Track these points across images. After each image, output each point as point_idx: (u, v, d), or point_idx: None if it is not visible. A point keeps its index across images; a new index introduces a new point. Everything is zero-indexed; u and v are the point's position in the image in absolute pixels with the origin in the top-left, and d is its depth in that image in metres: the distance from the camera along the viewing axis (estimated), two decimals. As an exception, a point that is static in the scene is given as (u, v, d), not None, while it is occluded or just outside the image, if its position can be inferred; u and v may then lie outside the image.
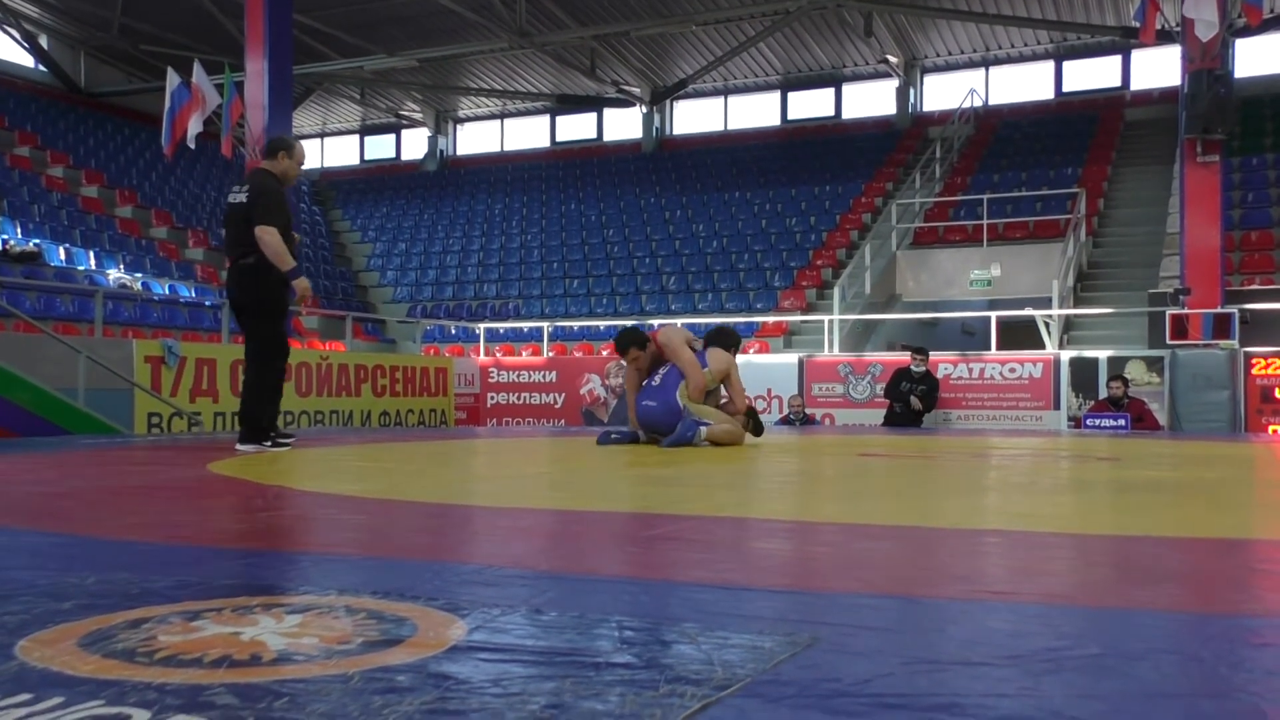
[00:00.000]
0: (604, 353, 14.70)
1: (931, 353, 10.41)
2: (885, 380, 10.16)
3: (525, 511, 2.79)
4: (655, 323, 15.34)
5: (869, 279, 14.44)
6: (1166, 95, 18.02)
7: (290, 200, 5.41)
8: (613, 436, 5.82)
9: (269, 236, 5.09)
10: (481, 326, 14.04)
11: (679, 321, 13.18)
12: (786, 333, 14.60)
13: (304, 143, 23.34)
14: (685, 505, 2.90)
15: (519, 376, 12.16)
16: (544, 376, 12.07)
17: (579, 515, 2.72)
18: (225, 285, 5.24)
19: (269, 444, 5.26)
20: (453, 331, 16.91)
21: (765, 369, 10.62)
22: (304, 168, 21.08)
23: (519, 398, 12.13)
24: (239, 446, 5.24)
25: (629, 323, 15.80)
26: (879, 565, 1.97)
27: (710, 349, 6.01)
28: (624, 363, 6.49)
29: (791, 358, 11.00)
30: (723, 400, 6.02)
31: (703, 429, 5.48)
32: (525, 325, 16.19)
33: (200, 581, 1.77)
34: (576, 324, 16.12)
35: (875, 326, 14.22)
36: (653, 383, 5.80)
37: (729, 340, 6.15)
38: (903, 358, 10.36)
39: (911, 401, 9.83)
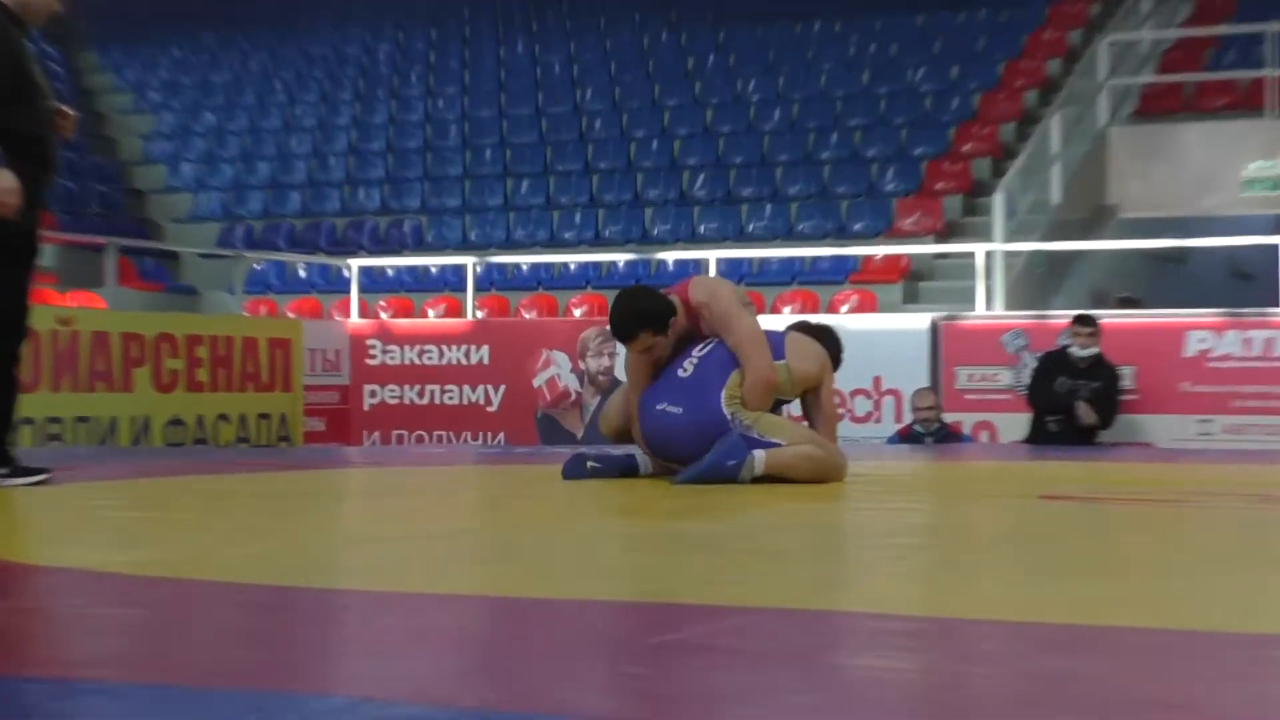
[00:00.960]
0: (576, 312, 14.69)
1: (1179, 310, 10.42)
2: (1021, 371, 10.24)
3: (436, 600, 2.79)
4: (670, 255, 15.33)
5: (1058, 179, 14.42)
6: None
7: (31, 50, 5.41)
8: (590, 464, 5.80)
9: None
10: (354, 264, 14.04)
11: (712, 259, 13.15)
12: (907, 276, 14.60)
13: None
14: (726, 589, 2.90)
15: (422, 355, 12.16)
16: (467, 355, 12.07)
17: (533, 606, 2.73)
18: None
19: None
20: (301, 274, 16.90)
21: (869, 342, 10.60)
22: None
23: (422, 393, 12.14)
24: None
25: (625, 258, 15.85)
26: (1085, 699, 1.95)
27: (793, 335, 5.95)
28: (619, 345, 6.41)
29: (918, 321, 11.02)
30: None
31: (758, 454, 5.45)
32: (434, 262, 16.18)
33: None
34: (525, 260, 16.09)
35: (1070, 264, 14.20)
36: (678, 371, 5.72)
37: (830, 341, 6.11)
38: (1121, 320, 10.38)
39: (1078, 410, 9.81)
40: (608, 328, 12.28)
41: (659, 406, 5.65)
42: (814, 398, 5.86)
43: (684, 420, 5.58)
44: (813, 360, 5.83)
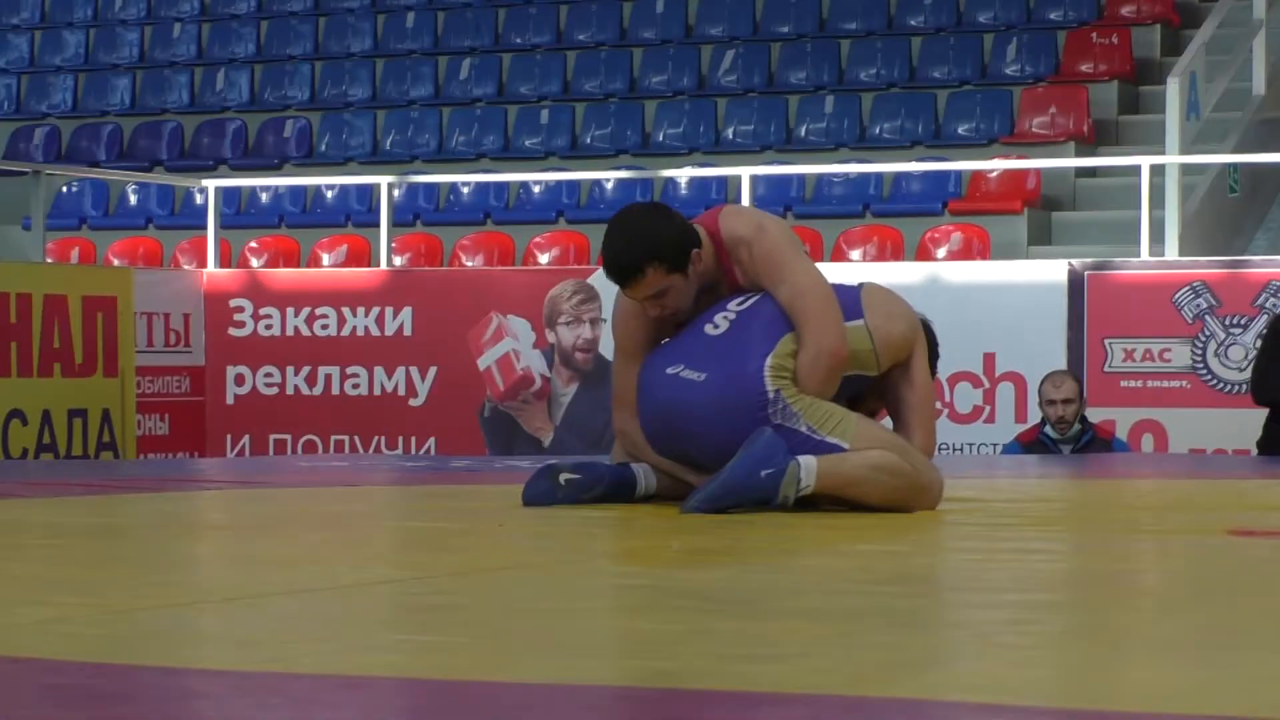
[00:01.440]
0: (542, 258, 14.66)
1: None
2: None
3: (341, 686, 2.81)
4: (682, 173, 15.29)
5: (1262, 58, 14.39)
6: None
7: None
8: (564, 478, 5.82)
9: None
10: (210, 186, 14.03)
11: (745, 177, 13.13)
12: (1036, 204, 14.61)
13: None
14: (765, 668, 2.92)
15: (312, 322, 12.22)
16: (379, 321, 12.13)
17: (486, 694, 2.74)
18: None
19: None
20: (132, 200, 16.86)
21: (978, 303, 10.64)
22: None
23: (312, 379, 12.20)
24: None
25: (615, 176, 15.76)
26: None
27: (872, 287, 5.92)
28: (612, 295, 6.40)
29: (1051, 271, 11.09)
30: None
31: (807, 462, 5.48)
32: (329, 181, 16.15)
33: None
34: (466, 179, 16.06)
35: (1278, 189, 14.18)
36: (705, 327, 5.71)
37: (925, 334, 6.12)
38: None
39: None
40: (589, 281, 12.33)
41: (671, 370, 5.68)
42: (902, 376, 5.88)
43: (707, 392, 5.59)
44: (902, 319, 5.87)
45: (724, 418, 5.54)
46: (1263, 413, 10.08)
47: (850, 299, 5.78)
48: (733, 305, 5.76)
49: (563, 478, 5.79)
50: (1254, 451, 10.00)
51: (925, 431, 5.88)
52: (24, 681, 2.85)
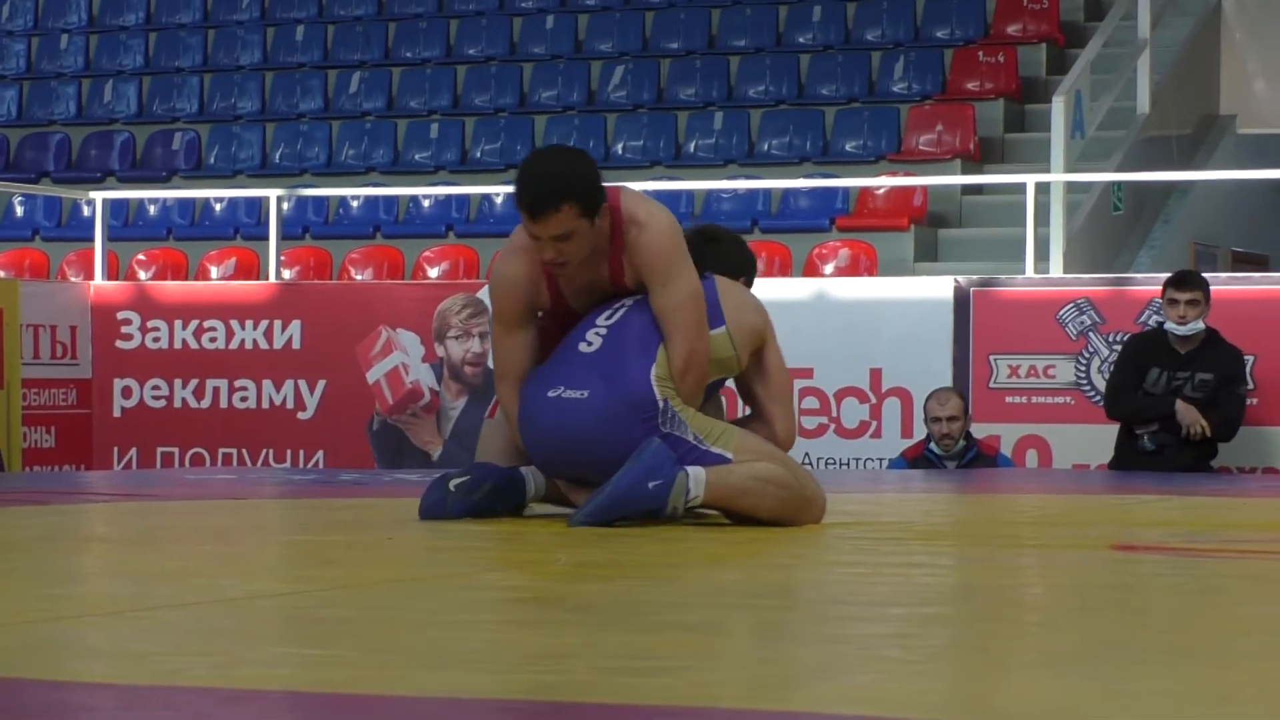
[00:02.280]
0: (432, 272, 14.63)
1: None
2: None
3: (224, 699, 2.80)
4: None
5: (1146, 77, 14.46)
6: None
7: None
8: (453, 484, 5.78)
9: None
10: (98, 198, 13.92)
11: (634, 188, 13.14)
12: (922, 220, 14.65)
13: None
14: (651, 680, 2.93)
15: (200, 334, 12.14)
16: (268, 334, 12.06)
17: (371, 708, 2.73)
18: None
19: None
20: (17, 211, 16.73)
21: (864, 318, 10.65)
22: None
23: (200, 392, 12.12)
24: None
25: (505, 191, 15.73)
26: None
27: (723, 282, 5.93)
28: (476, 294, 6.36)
29: (937, 288, 11.11)
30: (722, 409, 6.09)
31: (697, 474, 5.47)
32: (217, 194, 16.06)
33: None
34: (355, 192, 16.01)
35: (1163, 203, 14.26)
36: (578, 345, 5.68)
37: (738, 259, 6.15)
38: (1237, 286, 10.41)
39: (1179, 414, 9.85)
40: (478, 295, 12.29)
41: (552, 394, 5.63)
42: (756, 369, 5.88)
43: (592, 408, 5.56)
44: (750, 309, 5.88)
45: (612, 431, 5.51)
46: (1113, 431, 10.20)
47: (711, 303, 5.75)
48: (601, 320, 5.74)
49: (453, 484, 5.74)
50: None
51: (785, 420, 5.89)
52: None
